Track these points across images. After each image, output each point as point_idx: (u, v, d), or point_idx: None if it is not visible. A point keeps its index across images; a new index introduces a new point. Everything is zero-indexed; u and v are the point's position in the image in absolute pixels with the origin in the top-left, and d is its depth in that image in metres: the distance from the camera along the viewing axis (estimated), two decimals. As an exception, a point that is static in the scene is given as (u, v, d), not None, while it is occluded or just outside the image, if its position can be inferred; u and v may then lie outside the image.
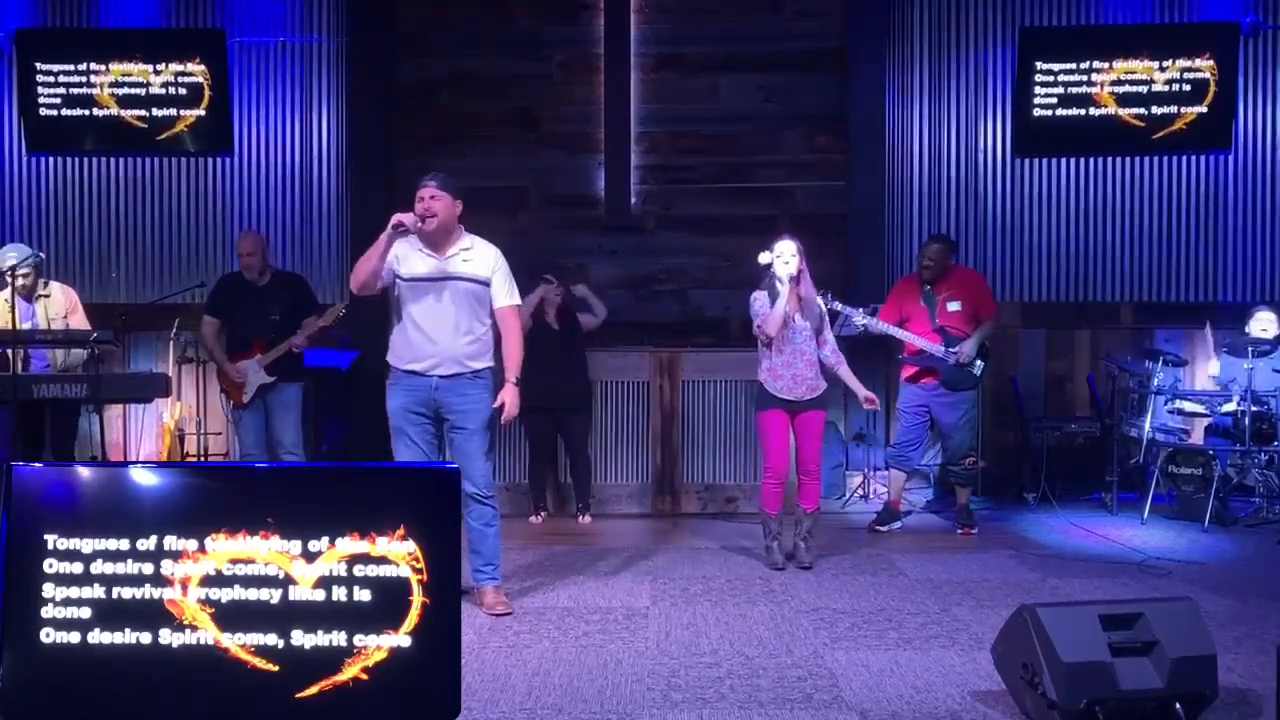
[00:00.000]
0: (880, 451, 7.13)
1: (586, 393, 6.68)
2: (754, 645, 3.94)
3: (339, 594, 2.62)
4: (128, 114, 7.63)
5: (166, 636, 2.62)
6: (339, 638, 2.61)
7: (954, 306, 6.07)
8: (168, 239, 7.78)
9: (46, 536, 2.62)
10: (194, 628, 2.62)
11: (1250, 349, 6.25)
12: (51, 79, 7.61)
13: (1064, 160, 7.64)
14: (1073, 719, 2.99)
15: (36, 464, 2.90)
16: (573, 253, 7.54)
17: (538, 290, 6.38)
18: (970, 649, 3.87)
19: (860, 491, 7.16)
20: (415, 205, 4.25)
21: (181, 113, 7.61)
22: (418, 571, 2.62)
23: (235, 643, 2.61)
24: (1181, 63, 7.42)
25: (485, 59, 7.71)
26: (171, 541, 2.63)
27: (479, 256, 4.35)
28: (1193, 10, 7.56)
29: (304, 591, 2.62)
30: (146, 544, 2.63)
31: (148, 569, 2.63)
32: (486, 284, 4.35)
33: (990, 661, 3.43)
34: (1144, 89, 7.47)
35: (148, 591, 2.62)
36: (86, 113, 7.63)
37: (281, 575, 2.62)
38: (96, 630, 2.62)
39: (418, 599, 2.61)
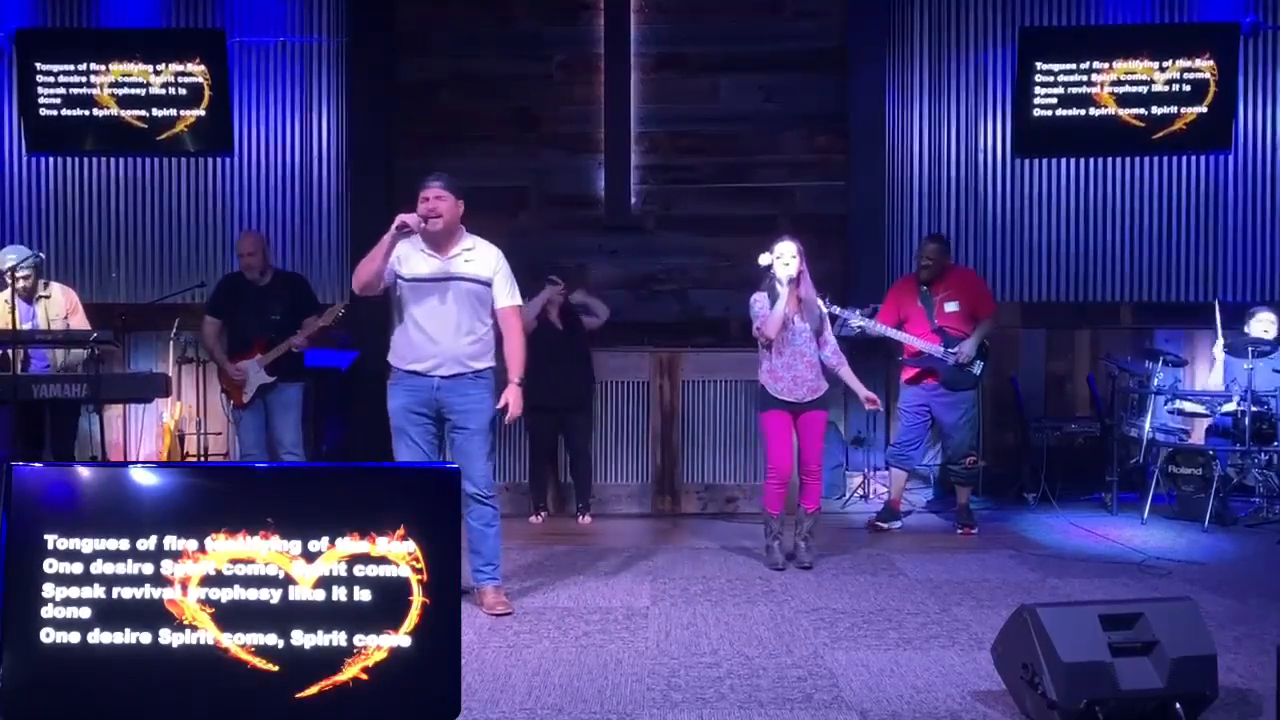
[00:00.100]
0: (879, 453, 7.13)
1: (589, 392, 6.68)
2: (754, 645, 3.94)
3: (339, 594, 2.62)
4: (128, 114, 7.63)
5: (166, 636, 2.62)
6: (339, 638, 2.61)
7: (952, 307, 6.07)
8: (168, 239, 7.79)
9: (46, 536, 2.62)
10: (194, 628, 2.62)
11: (1250, 349, 6.25)
12: (51, 79, 7.61)
13: (1064, 160, 7.64)
14: (1073, 719, 2.99)
15: (36, 464, 2.89)
16: (573, 253, 7.54)
17: (544, 292, 6.38)
18: (970, 649, 3.87)
19: (860, 491, 7.16)
20: (418, 205, 4.25)
21: (181, 113, 7.61)
22: (418, 571, 2.62)
23: (235, 643, 2.62)
24: (1181, 63, 7.42)
25: (485, 59, 7.71)
26: (171, 541, 2.63)
27: (481, 257, 4.36)
28: (1193, 10, 7.57)
29: (304, 591, 2.62)
30: (146, 544, 2.63)
31: (148, 569, 2.63)
32: (488, 284, 4.36)
33: (990, 661, 3.43)
34: (1144, 89, 7.47)
35: (148, 591, 2.62)
36: (86, 113, 7.63)
37: (281, 575, 2.62)
38: (96, 630, 2.62)
39: (418, 599, 2.61)
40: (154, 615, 2.62)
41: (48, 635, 2.61)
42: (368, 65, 7.64)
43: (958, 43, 7.67)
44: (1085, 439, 7.12)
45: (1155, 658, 3.05)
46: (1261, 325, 6.68)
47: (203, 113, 7.59)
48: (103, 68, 7.60)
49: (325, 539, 2.63)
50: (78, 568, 2.62)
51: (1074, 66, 7.46)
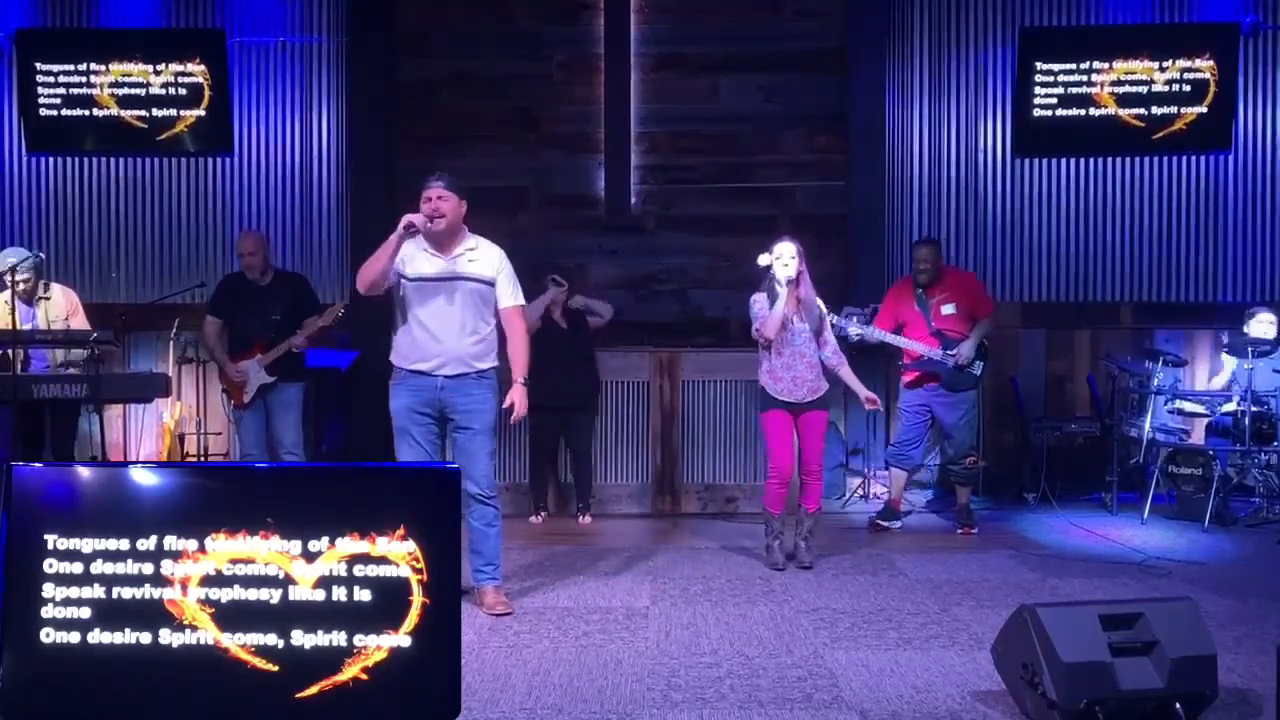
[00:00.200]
0: (877, 456, 7.13)
1: (594, 392, 6.68)
2: (754, 645, 3.94)
3: (339, 594, 2.62)
4: (128, 114, 7.63)
5: (166, 636, 2.62)
6: (339, 638, 2.61)
7: (949, 309, 6.07)
8: (168, 239, 7.78)
9: (46, 536, 2.62)
10: (194, 628, 2.62)
11: (1250, 349, 6.25)
12: (51, 79, 7.61)
13: (1064, 160, 7.64)
14: (1073, 719, 2.99)
15: (36, 464, 2.89)
16: (573, 253, 7.53)
17: (547, 293, 6.38)
18: (970, 649, 3.87)
19: (860, 492, 7.16)
20: (421, 205, 4.25)
21: (181, 113, 7.61)
22: (418, 571, 2.62)
23: (235, 643, 2.62)
24: (1181, 63, 7.42)
25: (485, 59, 7.71)
26: (171, 541, 2.63)
27: (484, 257, 4.36)
28: (1193, 10, 7.56)
29: (304, 591, 2.62)
30: (146, 544, 2.63)
31: (148, 569, 2.63)
32: (491, 284, 4.36)
33: (990, 661, 3.43)
34: (1144, 89, 7.47)
35: (148, 591, 2.62)
36: (86, 113, 7.62)
37: (281, 575, 2.62)
38: (96, 630, 2.62)
39: (418, 599, 2.61)
40: (154, 615, 2.62)
41: (48, 635, 2.61)
42: (368, 65, 7.64)
43: (958, 43, 7.67)
44: (1085, 439, 7.12)
45: (1155, 658, 3.05)
46: (1261, 326, 6.68)
47: (203, 113, 7.59)
48: (103, 68, 7.59)
49: (325, 539, 2.63)
50: (78, 568, 2.62)
51: (1074, 66, 7.46)
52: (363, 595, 2.62)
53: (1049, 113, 7.48)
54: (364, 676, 2.60)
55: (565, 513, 6.70)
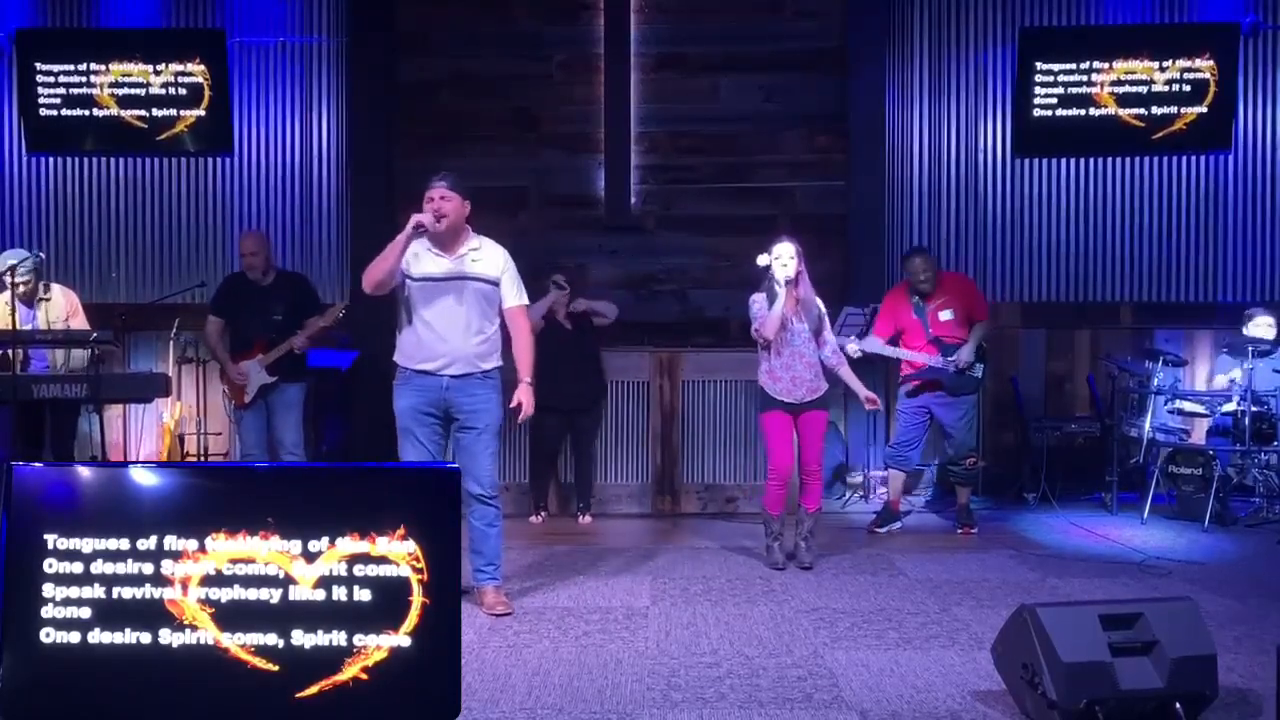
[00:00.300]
0: (876, 453, 7.13)
1: (599, 394, 6.69)
2: (754, 645, 3.94)
3: (339, 594, 2.62)
4: (128, 114, 7.63)
5: (166, 636, 2.62)
6: (339, 638, 2.61)
7: (946, 315, 6.06)
8: (168, 239, 7.79)
9: (46, 536, 2.62)
10: (194, 628, 2.62)
11: (1250, 349, 6.25)
12: (51, 79, 7.61)
13: (1064, 160, 7.64)
14: (1073, 719, 2.99)
15: (36, 464, 2.89)
16: (573, 253, 7.53)
17: (549, 296, 6.37)
18: (970, 649, 3.87)
19: (860, 492, 7.16)
20: (425, 205, 4.25)
21: (181, 113, 7.61)
22: (418, 571, 2.62)
23: (235, 643, 2.61)
24: (1181, 63, 7.42)
25: (485, 59, 7.71)
26: (171, 541, 2.63)
27: (488, 256, 4.37)
28: (1193, 10, 7.57)
29: (304, 591, 2.62)
30: (146, 544, 2.63)
31: (148, 569, 2.63)
32: (496, 284, 4.36)
33: (990, 661, 3.43)
34: (1144, 89, 7.47)
35: (148, 591, 2.62)
36: (86, 113, 7.63)
37: (281, 575, 2.62)
38: (96, 630, 2.62)
39: (418, 599, 2.61)
40: (154, 615, 2.62)
41: (48, 635, 2.61)
42: (368, 65, 7.64)
43: (958, 43, 7.67)
44: (1085, 439, 7.12)
45: (1155, 658, 3.05)
46: (1259, 328, 6.68)
47: (203, 113, 7.59)
48: (103, 68, 7.59)
49: (325, 539, 2.63)
50: (78, 568, 2.62)
51: (1074, 66, 7.46)
52: (363, 595, 2.62)
53: (1049, 113, 7.48)
54: (364, 676, 2.60)
55: (565, 513, 6.70)
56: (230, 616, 2.62)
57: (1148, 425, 6.64)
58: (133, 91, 7.61)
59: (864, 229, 7.52)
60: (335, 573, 2.62)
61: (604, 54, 7.65)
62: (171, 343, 7.14)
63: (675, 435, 6.85)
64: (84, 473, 2.75)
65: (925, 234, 7.56)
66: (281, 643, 2.61)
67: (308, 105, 7.73)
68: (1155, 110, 7.46)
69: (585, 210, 7.71)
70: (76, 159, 7.79)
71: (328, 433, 7.53)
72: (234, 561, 2.63)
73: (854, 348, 5.76)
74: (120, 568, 2.62)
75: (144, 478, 2.74)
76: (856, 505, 7.00)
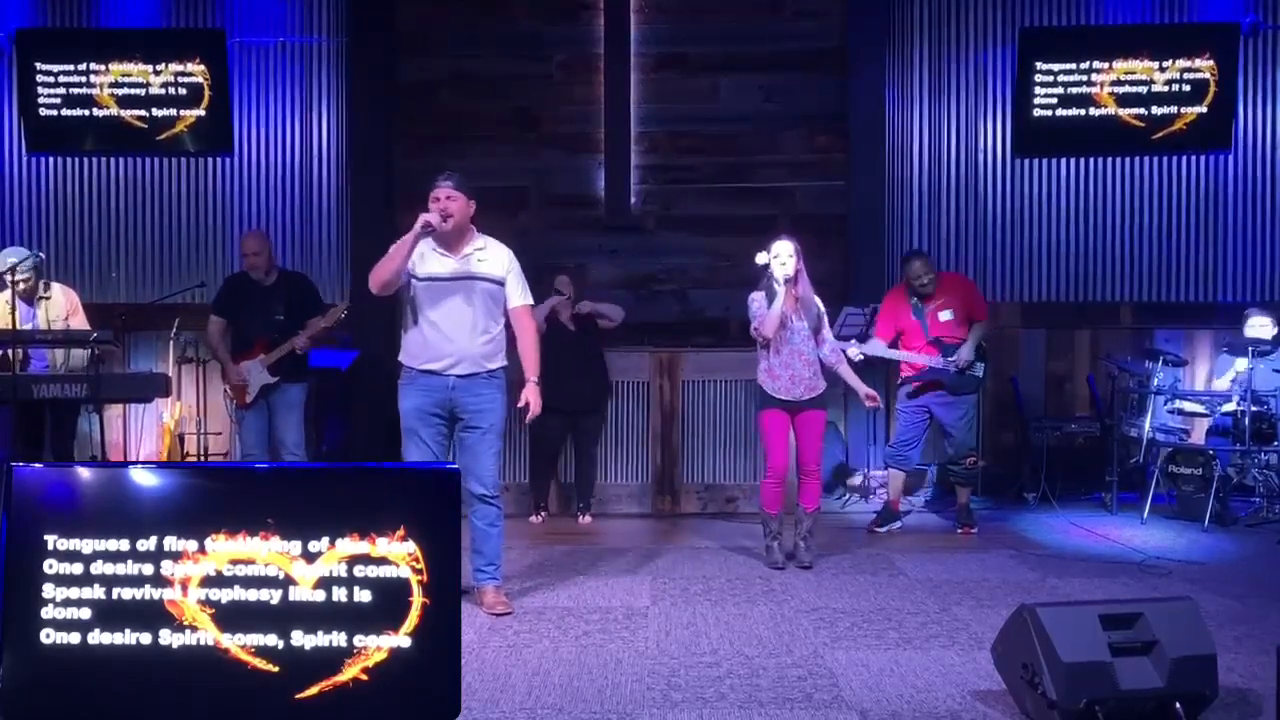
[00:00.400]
0: (876, 454, 7.13)
1: (603, 395, 6.68)
2: (754, 645, 3.94)
3: (339, 594, 2.62)
4: (128, 114, 7.63)
5: (166, 637, 2.62)
6: (339, 638, 2.61)
7: (946, 316, 6.07)
8: (168, 239, 7.79)
9: (46, 536, 2.62)
10: (194, 628, 2.62)
11: (1251, 349, 6.25)
12: (51, 79, 7.61)
13: (1064, 160, 7.64)
14: (1073, 719, 2.99)
15: (36, 464, 2.89)
16: (573, 253, 7.54)
17: (549, 301, 6.37)
18: (970, 649, 3.87)
19: (860, 492, 7.16)
20: (430, 205, 4.25)
21: (181, 113, 7.61)
22: (418, 572, 2.62)
23: (235, 643, 2.61)
24: (1181, 63, 7.42)
25: (485, 59, 7.71)
26: (171, 542, 2.63)
27: (493, 256, 4.37)
28: (1193, 10, 7.57)
29: (304, 592, 2.62)
30: (146, 544, 2.63)
31: (148, 569, 2.63)
32: (501, 283, 4.37)
33: (990, 661, 3.43)
34: (1144, 89, 7.47)
35: (148, 592, 2.62)
36: (86, 113, 7.63)
37: (281, 576, 2.62)
38: (96, 631, 2.62)
39: (418, 599, 2.61)
40: (154, 616, 2.62)
41: (48, 635, 2.61)
42: (368, 65, 7.64)
43: (958, 43, 7.67)
44: (1085, 439, 7.12)
45: (1155, 657, 3.05)
46: (1255, 329, 6.68)
47: (203, 113, 7.60)
48: (103, 68, 7.60)
49: (325, 539, 2.63)
50: (78, 568, 2.62)
51: (1074, 66, 7.46)
52: (363, 596, 2.62)
53: (1049, 113, 7.49)
54: (364, 677, 2.60)
55: (566, 513, 6.70)
56: (230, 617, 2.62)
57: (1148, 425, 6.64)
58: (133, 91, 7.61)
59: (864, 229, 7.53)
60: (335, 573, 2.62)
61: (604, 54, 7.66)
62: (171, 343, 7.14)
63: (675, 435, 6.85)
64: (84, 473, 2.75)
65: (925, 234, 7.57)
66: (281, 643, 2.61)
67: (308, 105, 7.73)
68: (1155, 110, 7.47)
69: (585, 210, 7.71)
70: (76, 159, 7.79)
71: (328, 433, 7.53)
72: (234, 562, 2.63)
73: (855, 351, 5.77)
74: (120, 568, 2.62)
75: (144, 478, 2.74)
76: (856, 505, 7.00)
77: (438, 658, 2.62)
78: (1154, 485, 6.46)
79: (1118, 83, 7.48)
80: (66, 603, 2.62)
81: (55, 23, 7.77)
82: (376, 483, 2.83)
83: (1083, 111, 7.48)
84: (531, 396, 4.38)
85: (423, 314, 4.30)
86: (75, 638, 2.61)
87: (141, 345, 7.65)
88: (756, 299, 5.17)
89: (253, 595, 2.62)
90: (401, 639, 2.61)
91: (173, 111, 7.61)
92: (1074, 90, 7.47)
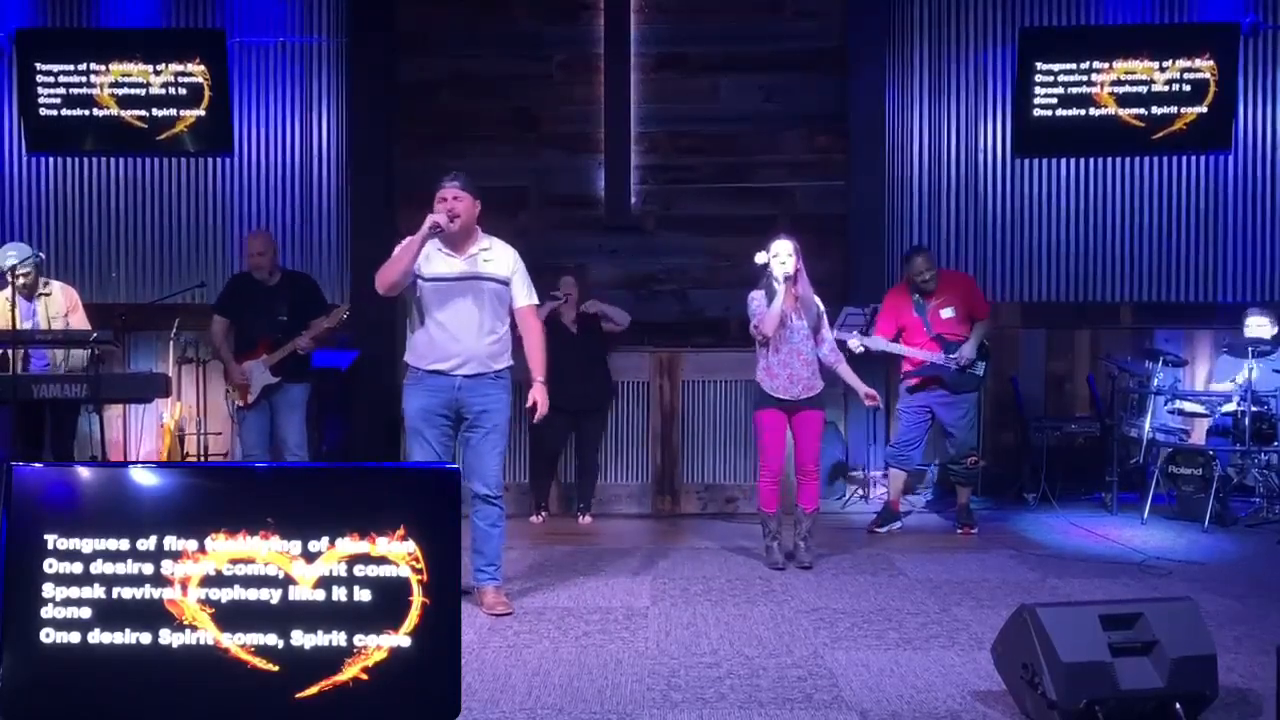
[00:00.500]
0: (877, 454, 7.13)
1: (606, 396, 6.68)
2: (754, 645, 3.94)
3: (339, 594, 2.62)
4: (128, 114, 7.63)
5: (166, 636, 2.62)
6: (339, 638, 2.61)
7: (947, 313, 6.07)
8: (168, 239, 7.79)
9: (46, 536, 2.62)
10: (194, 628, 2.62)
11: (1251, 349, 6.25)
12: (51, 79, 7.61)
13: (1064, 160, 7.64)
14: (1073, 719, 2.99)
15: (36, 464, 2.89)
16: (573, 253, 7.53)
17: (546, 304, 6.35)
18: (970, 649, 3.87)
19: (860, 492, 7.16)
20: (436, 205, 4.25)
21: (181, 113, 7.61)
22: (418, 571, 2.62)
23: (235, 643, 2.61)
24: (1181, 63, 7.42)
25: (485, 59, 7.71)
26: (171, 541, 2.63)
27: (499, 256, 4.38)
28: (1193, 10, 7.57)
29: (304, 591, 2.62)
30: (146, 544, 2.63)
31: (148, 569, 2.63)
32: (507, 283, 4.38)
33: (990, 661, 3.43)
34: (1144, 89, 7.47)
35: (148, 591, 2.62)
36: (86, 113, 7.63)
37: (281, 575, 2.62)
38: (96, 630, 2.62)
39: (418, 599, 2.61)
40: (154, 615, 2.62)
41: (48, 635, 2.61)
42: (368, 65, 7.64)
43: (958, 43, 7.67)
44: (1085, 439, 7.12)
45: (1155, 658, 3.05)
46: (1255, 330, 6.67)
47: (203, 113, 7.60)
48: (103, 68, 7.60)
49: (325, 539, 2.63)
50: (78, 568, 2.62)
51: (1074, 66, 7.46)
52: (363, 595, 2.62)
53: (1049, 113, 7.49)
54: (364, 676, 2.60)
55: (566, 513, 6.70)
56: (230, 617, 2.62)
57: (1148, 425, 6.64)
58: (133, 91, 7.61)
59: (864, 229, 7.52)
60: (335, 573, 2.62)
61: (604, 54, 7.66)
62: (171, 343, 7.14)
63: (675, 435, 6.85)
64: (84, 473, 2.75)
65: (925, 234, 7.56)
66: (281, 643, 2.61)
67: (308, 105, 7.74)
68: (1155, 110, 7.47)
69: (585, 210, 7.71)
70: (76, 159, 7.79)
71: (328, 433, 7.53)
72: (234, 562, 2.63)
73: (856, 343, 5.77)
74: (120, 568, 2.62)
75: (144, 478, 2.74)
76: (856, 505, 7.00)
77: (438, 657, 2.62)
78: (1154, 485, 6.45)
79: (1118, 83, 7.48)
80: (66, 602, 2.62)
81: (55, 23, 7.77)
82: (376, 483, 2.83)
83: (1083, 111, 7.48)
84: (539, 396, 4.39)
85: (429, 314, 4.30)
86: (75, 637, 2.61)
87: (141, 345, 7.65)
88: (756, 298, 5.17)
89: (253, 595, 2.62)
90: (401, 639, 2.61)
91: (173, 111, 7.61)
92: (1074, 90, 7.47)
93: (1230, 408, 6.48)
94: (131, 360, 7.56)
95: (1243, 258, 7.59)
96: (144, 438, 7.60)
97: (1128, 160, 7.63)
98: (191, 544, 2.63)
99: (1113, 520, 6.40)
